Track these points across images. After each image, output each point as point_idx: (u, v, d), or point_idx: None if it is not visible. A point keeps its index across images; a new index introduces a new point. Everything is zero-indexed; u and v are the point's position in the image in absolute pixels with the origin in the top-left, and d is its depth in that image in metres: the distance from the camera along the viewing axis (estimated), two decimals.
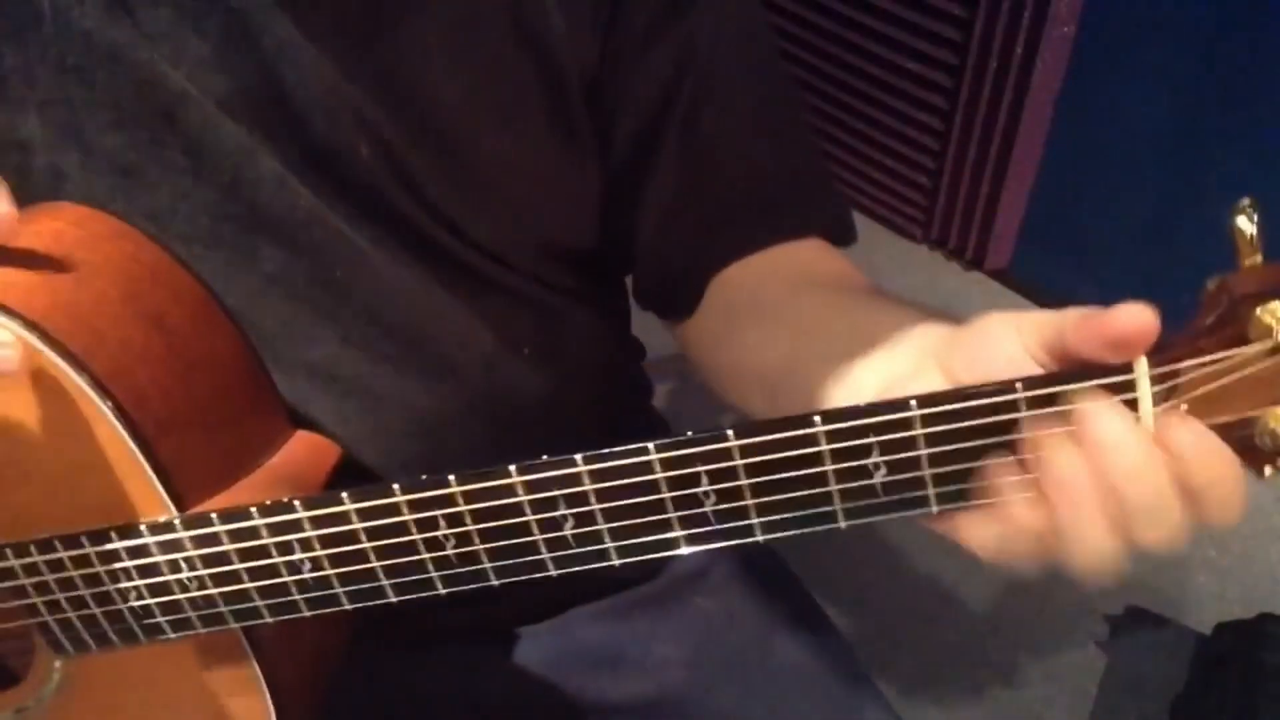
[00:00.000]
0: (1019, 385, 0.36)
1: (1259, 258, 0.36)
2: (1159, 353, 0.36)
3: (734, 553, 0.54)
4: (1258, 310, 0.34)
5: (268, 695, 0.50)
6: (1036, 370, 0.38)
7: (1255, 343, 0.35)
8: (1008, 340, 0.39)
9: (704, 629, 0.68)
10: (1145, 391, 0.36)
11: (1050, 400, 0.36)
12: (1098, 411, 0.36)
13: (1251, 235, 0.35)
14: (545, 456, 0.39)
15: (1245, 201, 0.36)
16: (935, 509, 0.39)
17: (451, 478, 0.40)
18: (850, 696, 0.67)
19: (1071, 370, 0.37)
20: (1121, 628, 1.30)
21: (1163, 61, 1.43)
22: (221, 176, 0.52)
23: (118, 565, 0.46)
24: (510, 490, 0.40)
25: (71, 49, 0.50)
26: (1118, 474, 0.36)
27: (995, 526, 0.38)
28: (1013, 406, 0.36)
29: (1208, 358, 0.35)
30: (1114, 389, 0.36)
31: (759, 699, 0.65)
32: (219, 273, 0.51)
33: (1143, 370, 0.36)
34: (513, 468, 0.39)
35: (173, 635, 0.47)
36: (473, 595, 0.43)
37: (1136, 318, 0.35)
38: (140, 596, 0.46)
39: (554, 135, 0.57)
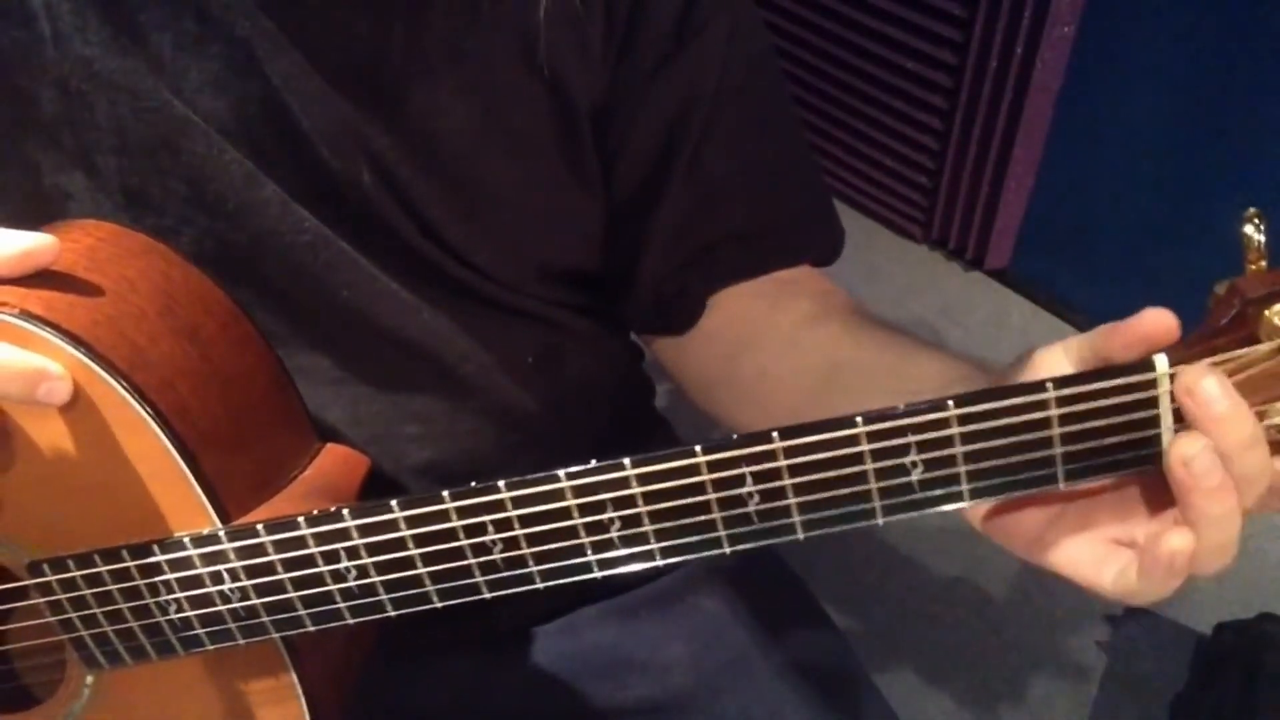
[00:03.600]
0: (1049, 385, 0.38)
1: (1265, 263, 0.38)
2: (1175, 351, 0.38)
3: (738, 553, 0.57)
4: (1266, 312, 0.37)
5: (304, 702, 0.50)
6: None
7: (1265, 342, 0.37)
8: (1057, 367, 0.42)
9: (708, 630, 0.68)
10: (1165, 389, 0.38)
11: (1077, 399, 0.38)
12: (1209, 388, 0.37)
13: (1259, 242, 0.38)
14: (594, 461, 0.40)
15: (1252, 211, 0.38)
16: (969, 503, 0.40)
17: (501, 484, 0.41)
18: (851, 697, 0.68)
19: (1097, 370, 0.38)
20: (1121, 628, 1.31)
21: (1163, 61, 1.44)
22: (225, 203, 0.53)
23: (158, 578, 0.46)
24: (559, 495, 0.40)
25: (74, 74, 0.50)
26: (1234, 445, 0.37)
27: (1127, 562, 0.40)
28: (1043, 405, 0.38)
29: (1221, 356, 0.37)
30: (1136, 387, 0.38)
31: (761, 700, 0.65)
32: (228, 291, 0.52)
33: (1163, 369, 0.37)
34: (562, 473, 0.40)
35: (211, 647, 0.48)
36: (481, 598, 0.44)
37: (1160, 320, 0.38)
38: (180, 609, 0.46)
39: (561, 166, 0.58)
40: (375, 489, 0.56)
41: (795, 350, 0.59)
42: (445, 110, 0.54)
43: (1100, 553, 0.41)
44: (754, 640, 0.68)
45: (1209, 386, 0.37)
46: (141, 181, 0.53)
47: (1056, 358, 0.42)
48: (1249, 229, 0.38)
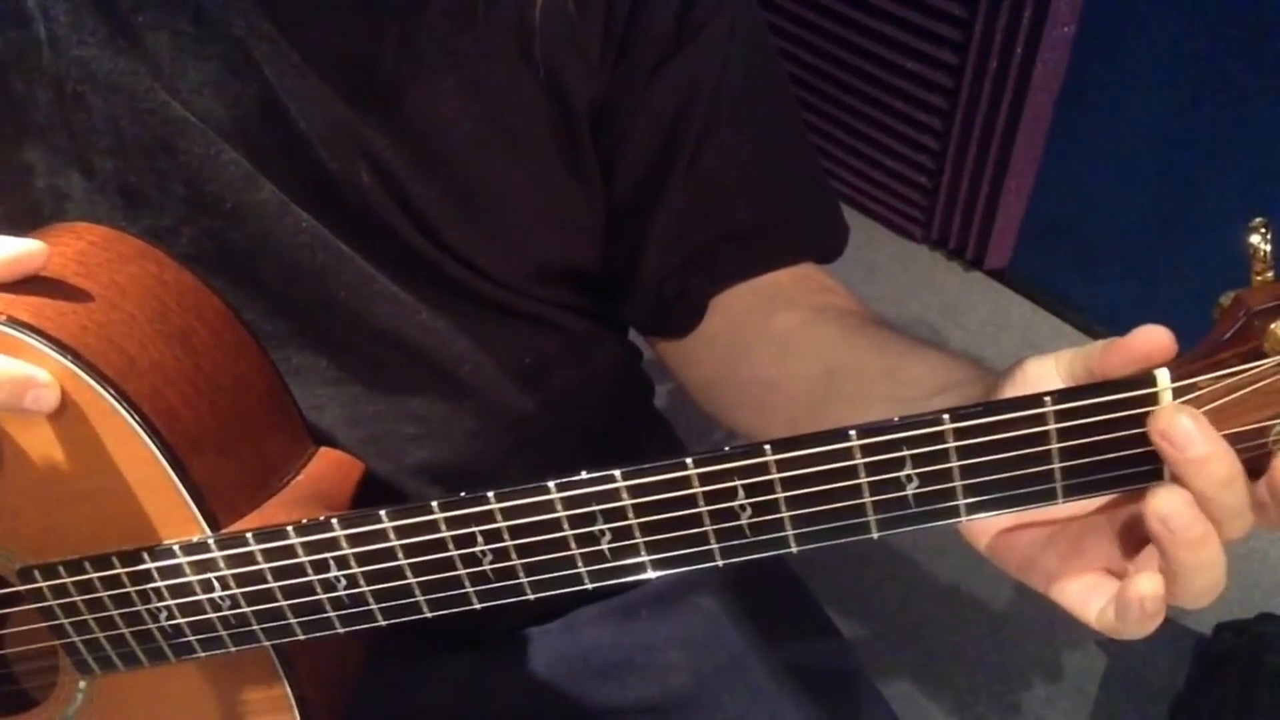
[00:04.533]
0: (1048, 399, 0.37)
1: (1271, 274, 0.37)
2: (1179, 366, 0.37)
3: None
4: (1273, 325, 0.36)
5: (296, 712, 0.50)
6: None
7: (1271, 355, 0.36)
8: (1048, 379, 0.41)
9: (707, 630, 0.68)
10: (1168, 403, 0.37)
11: (1077, 413, 0.37)
12: (1186, 428, 0.36)
13: (1265, 253, 0.37)
14: (585, 473, 0.39)
15: (1259, 220, 0.37)
16: (965, 519, 0.40)
17: (490, 494, 0.40)
18: (851, 697, 0.68)
19: (1097, 384, 0.38)
20: None
21: (1162, 62, 1.43)
22: (223, 204, 0.53)
23: (149, 585, 0.46)
24: (549, 506, 0.40)
25: (70, 76, 0.50)
26: (1213, 484, 0.37)
27: (1109, 598, 0.40)
28: (1042, 419, 0.37)
29: (1224, 371, 0.37)
30: (1137, 402, 0.37)
31: (761, 700, 0.65)
32: (225, 292, 0.52)
33: (1165, 383, 0.37)
34: (551, 484, 0.40)
35: (202, 654, 0.47)
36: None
37: (1154, 337, 0.37)
38: (171, 616, 0.46)
39: (561, 165, 0.58)
40: (372, 489, 0.56)
41: (792, 354, 0.59)
42: (443, 110, 0.53)
43: (1089, 583, 0.41)
44: (753, 641, 0.68)
45: (1185, 427, 0.36)
46: (139, 182, 0.53)
47: (1048, 370, 0.42)
48: (1255, 239, 0.37)
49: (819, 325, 0.59)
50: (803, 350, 0.58)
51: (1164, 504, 0.37)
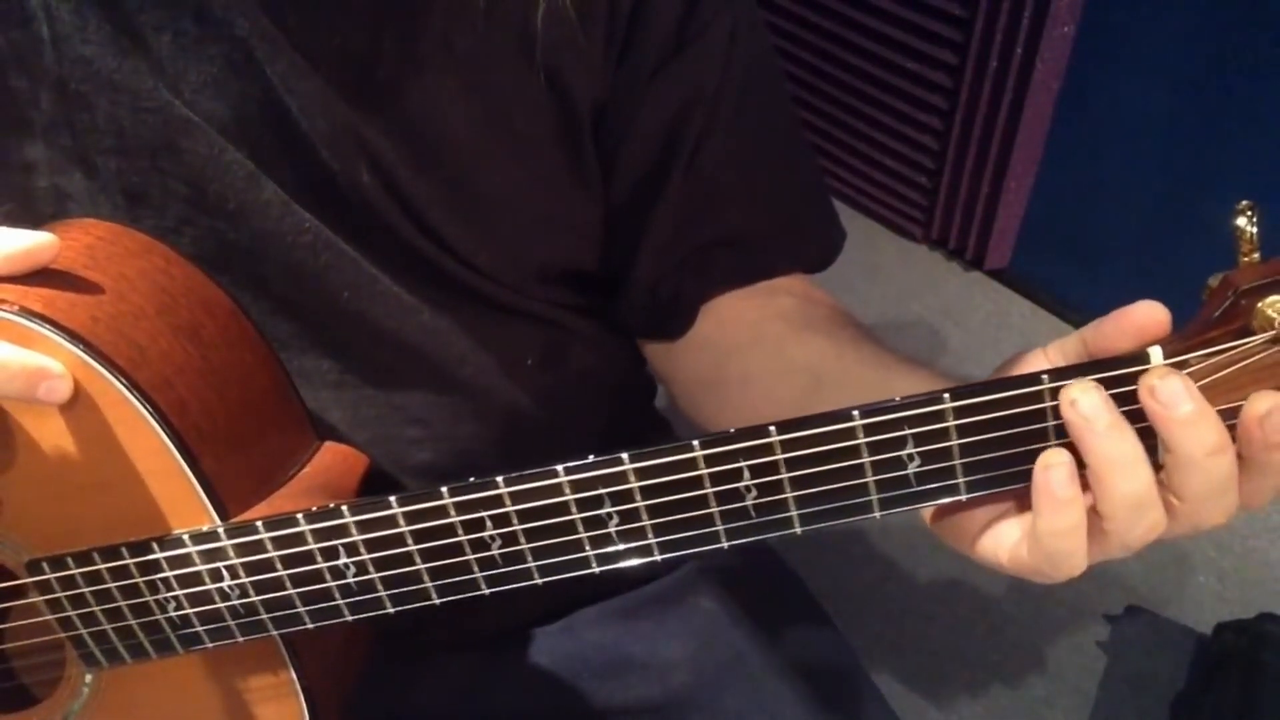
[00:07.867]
0: (1045, 377, 0.38)
1: (1257, 255, 0.38)
2: (1170, 344, 0.38)
3: (736, 552, 0.60)
4: (1260, 304, 0.37)
5: (303, 699, 0.50)
6: None
7: (1258, 334, 0.37)
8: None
9: (707, 629, 0.68)
10: (1159, 363, 0.38)
11: None
12: (1174, 388, 0.37)
13: (1251, 234, 0.38)
14: (592, 457, 0.40)
15: (1245, 203, 0.38)
16: (965, 496, 0.40)
17: (499, 479, 0.41)
18: (851, 696, 0.68)
19: (1092, 362, 0.39)
20: (1121, 628, 1.30)
21: (1163, 61, 1.43)
22: (225, 204, 0.53)
23: (157, 576, 0.46)
24: (557, 490, 0.41)
25: (73, 75, 0.50)
26: (1200, 451, 0.37)
27: (1022, 531, 0.40)
28: (1038, 397, 0.38)
29: (1215, 348, 0.38)
30: (1131, 379, 0.38)
31: (761, 700, 0.65)
32: (228, 293, 0.52)
33: (1158, 360, 0.38)
34: (560, 468, 0.40)
35: (210, 645, 0.48)
36: (480, 599, 0.44)
37: (1153, 310, 0.39)
38: (179, 607, 0.46)
39: (562, 166, 0.58)
40: (375, 490, 0.56)
41: (780, 361, 0.59)
42: (444, 111, 0.54)
43: (1010, 525, 0.41)
44: (754, 640, 0.68)
45: (1173, 386, 0.37)
46: (141, 182, 0.53)
47: (1037, 362, 0.42)
48: (1241, 221, 0.38)
49: (809, 334, 0.59)
50: (791, 358, 0.59)
51: (1077, 387, 0.37)
